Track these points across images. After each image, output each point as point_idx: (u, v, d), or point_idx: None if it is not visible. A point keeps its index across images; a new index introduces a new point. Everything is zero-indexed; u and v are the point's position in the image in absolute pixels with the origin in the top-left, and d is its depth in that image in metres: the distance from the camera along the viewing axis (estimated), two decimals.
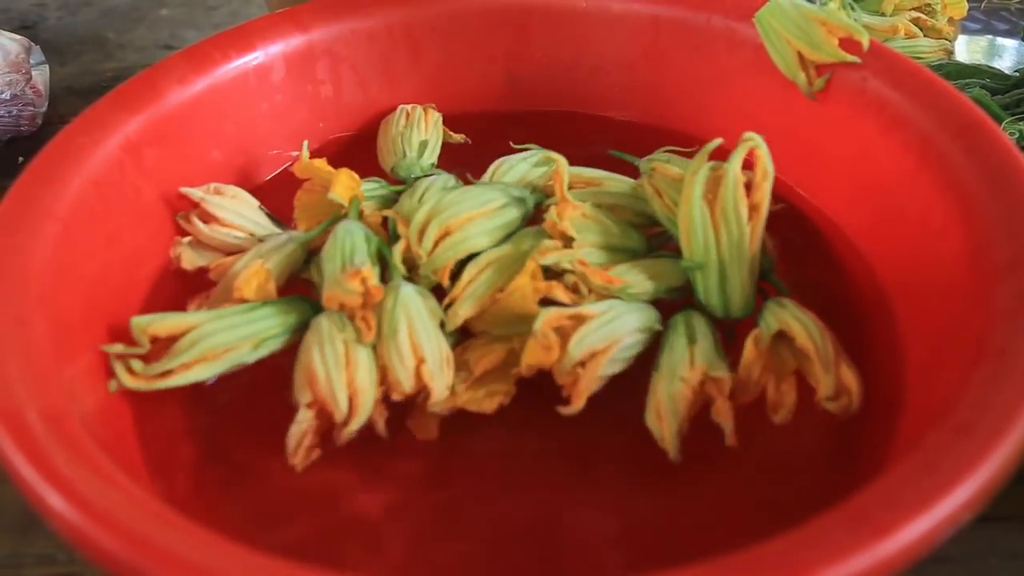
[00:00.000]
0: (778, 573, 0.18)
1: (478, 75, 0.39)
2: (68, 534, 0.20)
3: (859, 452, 0.26)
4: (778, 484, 0.26)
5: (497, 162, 0.33)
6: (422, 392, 0.26)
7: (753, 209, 0.27)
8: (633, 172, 0.31)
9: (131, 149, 0.31)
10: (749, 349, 0.26)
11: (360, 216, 0.30)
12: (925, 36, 0.44)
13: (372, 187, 0.33)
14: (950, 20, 0.47)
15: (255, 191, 0.33)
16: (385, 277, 0.28)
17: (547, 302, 0.27)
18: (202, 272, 0.31)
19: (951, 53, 0.44)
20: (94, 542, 0.20)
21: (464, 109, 0.38)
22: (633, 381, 0.27)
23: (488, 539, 0.25)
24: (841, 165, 0.33)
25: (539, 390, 0.26)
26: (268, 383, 0.27)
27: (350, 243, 0.28)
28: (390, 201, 0.32)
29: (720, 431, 0.25)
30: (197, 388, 0.27)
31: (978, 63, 0.41)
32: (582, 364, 0.26)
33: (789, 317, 0.27)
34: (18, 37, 0.47)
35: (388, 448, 0.27)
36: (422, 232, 0.28)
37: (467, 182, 0.32)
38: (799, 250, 0.33)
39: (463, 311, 0.27)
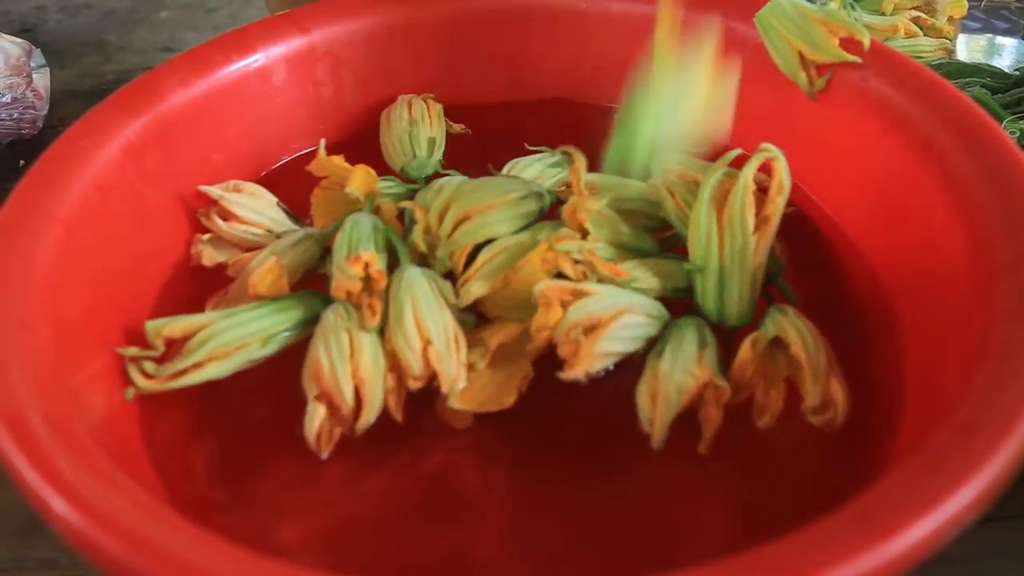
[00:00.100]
0: (783, 574, 0.18)
1: (479, 76, 0.39)
2: (71, 538, 0.20)
3: (860, 453, 0.26)
4: (779, 485, 0.26)
5: (512, 162, 0.33)
6: (434, 379, 0.26)
7: (763, 221, 0.27)
8: None
9: (132, 152, 0.31)
10: (745, 350, 0.26)
11: (377, 211, 0.30)
12: (925, 35, 0.44)
13: (387, 185, 0.33)
14: (950, 19, 0.47)
15: None
16: (395, 266, 0.28)
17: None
18: (206, 272, 0.31)
19: (951, 52, 0.44)
20: (97, 546, 0.20)
21: (465, 110, 0.38)
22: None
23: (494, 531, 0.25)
24: (842, 164, 0.33)
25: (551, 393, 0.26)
26: (275, 384, 0.28)
27: (357, 233, 0.28)
28: (405, 199, 0.33)
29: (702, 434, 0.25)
30: (204, 390, 0.27)
31: (978, 62, 0.41)
32: (585, 333, 0.26)
33: (787, 324, 0.27)
34: (19, 40, 0.47)
35: (405, 444, 0.27)
36: (442, 216, 0.29)
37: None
38: (799, 250, 0.33)
39: (476, 288, 0.27)
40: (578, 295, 0.26)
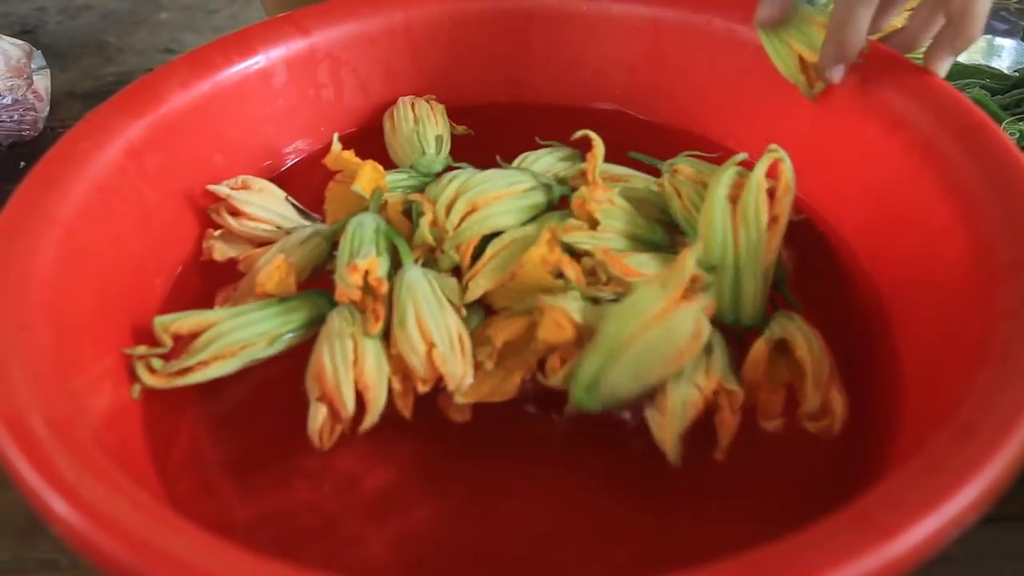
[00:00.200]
0: (785, 574, 0.18)
1: (479, 77, 0.39)
2: (71, 539, 0.20)
3: (861, 454, 0.26)
4: (779, 485, 0.26)
5: (523, 155, 0.33)
6: (441, 379, 0.26)
7: (773, 220, 0.27)
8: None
9: (133, 154, 0.31)
10: (758, 347, 0.26)
11: (384, 206, 0.30)
12: None
13: (400, 177, 0.33)
14: None
15: None
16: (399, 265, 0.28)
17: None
18: (217, 267, 0.31)
19: None
20: (97, 546, 0.20)
21: (466, 111, 0.38)
22: None
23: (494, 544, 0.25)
24: (842, 166, 0.33)
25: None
26: (277, 385, 0.28)
27: (359, 238, 0.28)
28: (418, 192, 0.33)
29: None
30: (206, 391, 0.27)
31: (977, 63, 0.41)
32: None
33: (794, 329, 0.27)
34: (19, 42, 0.47)
35: (409, 441, 0.27)
36: (449, 207, 0.29)
37: None
38: (800, 251, 0.33)
39: (482, 283, 0.28)
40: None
